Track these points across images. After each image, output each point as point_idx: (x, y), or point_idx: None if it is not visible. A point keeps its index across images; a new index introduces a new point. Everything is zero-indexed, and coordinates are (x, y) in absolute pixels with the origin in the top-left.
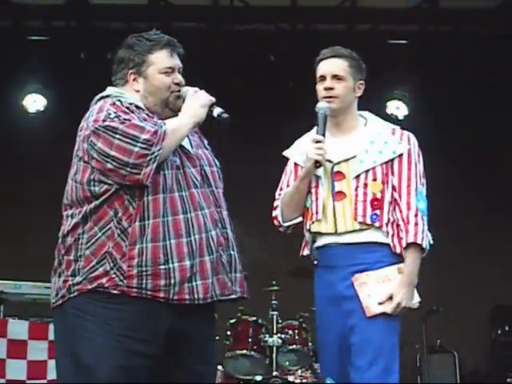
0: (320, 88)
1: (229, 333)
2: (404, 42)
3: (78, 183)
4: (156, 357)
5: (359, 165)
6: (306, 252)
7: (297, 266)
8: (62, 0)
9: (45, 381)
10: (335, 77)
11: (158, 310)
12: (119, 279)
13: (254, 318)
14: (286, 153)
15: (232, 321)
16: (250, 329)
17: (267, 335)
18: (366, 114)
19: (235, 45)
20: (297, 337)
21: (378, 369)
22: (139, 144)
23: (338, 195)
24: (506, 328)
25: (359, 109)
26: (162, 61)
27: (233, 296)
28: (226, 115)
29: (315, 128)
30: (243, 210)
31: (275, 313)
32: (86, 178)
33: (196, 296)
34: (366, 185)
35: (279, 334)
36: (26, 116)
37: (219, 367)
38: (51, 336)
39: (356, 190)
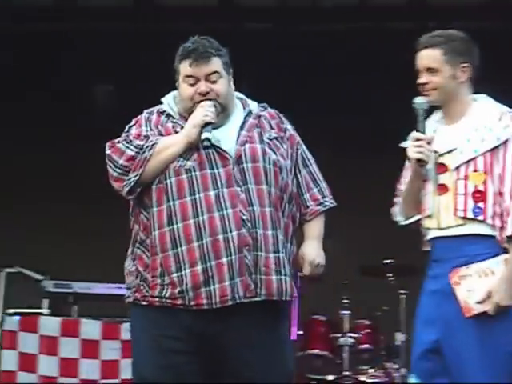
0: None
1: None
2: None
3: None
4: (192, 353)
5: (459, 156)
6: (424, 247)
7: (368, 265)
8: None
9: (118, 380)
10: (429, 70)
11: (185, 315)
12: (145, 290)
13: (325, 318)
14: (404, 144)
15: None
16: (321, 328)
17: (339, 334)
18: (481, 97)
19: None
20: (369, 336)
21: None
22: (117, 169)
23: (441, 188)
24: None
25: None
26: (183, 71)
27: (256, 298)
28: (206, 143)
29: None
30: None
31: (347, 312)
32: None
33: (213, 300)
34: (466, 176)
35: (351, 333)
36: None
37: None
38: (124, 336)
39: (456, 182)
